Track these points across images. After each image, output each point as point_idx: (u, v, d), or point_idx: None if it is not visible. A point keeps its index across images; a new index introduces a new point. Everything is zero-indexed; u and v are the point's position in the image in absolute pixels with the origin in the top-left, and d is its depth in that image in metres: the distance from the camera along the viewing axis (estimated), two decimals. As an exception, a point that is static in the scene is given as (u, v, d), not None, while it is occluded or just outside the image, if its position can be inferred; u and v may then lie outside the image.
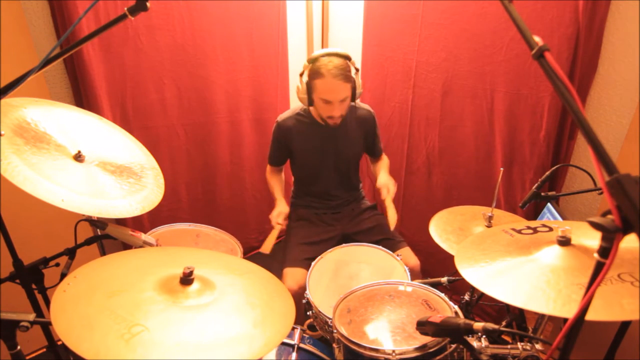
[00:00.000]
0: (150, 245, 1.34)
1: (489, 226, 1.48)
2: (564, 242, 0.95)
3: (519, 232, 1.08)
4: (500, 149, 1.93)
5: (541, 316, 1.37)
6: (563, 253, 0.93)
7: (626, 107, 1.61)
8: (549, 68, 0.63)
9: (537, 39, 0.65)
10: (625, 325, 1.17)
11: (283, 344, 1.32)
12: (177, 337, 0.81)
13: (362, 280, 1.52)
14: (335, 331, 1.21)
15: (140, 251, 1.17)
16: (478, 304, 1.73)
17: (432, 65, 2.07)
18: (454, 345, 1.14)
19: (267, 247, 1.67)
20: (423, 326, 0.98)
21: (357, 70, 1.71)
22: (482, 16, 1.83)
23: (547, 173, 1.45)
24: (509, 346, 1.08)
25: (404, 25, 2.12)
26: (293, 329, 1.35)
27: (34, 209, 1.64)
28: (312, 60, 1.66)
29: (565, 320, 0.65)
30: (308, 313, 1.47)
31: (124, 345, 0.76)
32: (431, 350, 1.11)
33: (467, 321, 0.92)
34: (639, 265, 0.85)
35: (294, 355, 1.29)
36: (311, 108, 1.80)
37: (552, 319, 1.39)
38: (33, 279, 1.25)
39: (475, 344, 1.02)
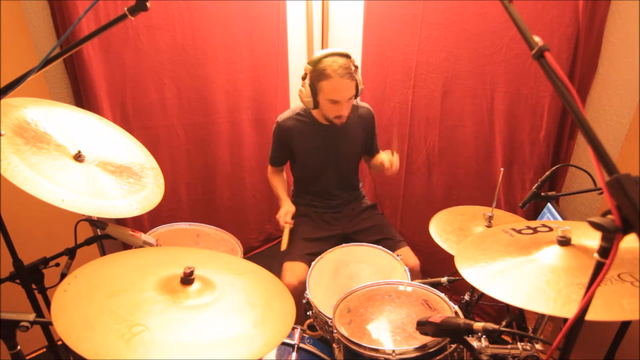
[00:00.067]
0: (150, 245, 1.33)
1: (489, 226, 1.48)
2: (564, 242, 0.95)
3: (519, 232, 1.08)
4: (500, 149, 1.94)
5: (541, 316, 1.37)
6: (563, 253, 0.93)
7: (626, 107, 1.61)
8: (549, 68, 0.63)
9: (537, 39, 0.65)
10: (625, 325, 1.18)
11: (283, 344, 1.32)
12: (178, 337, 0.81)
13: (362, 280, 1.52)
14: (335, 331, 1.21)
15: (140, 251, 1.17)
16: (478, 304, 1.73)
17: (432, 65, 2.07)
18: (454, 345, 1.14)
19: (283, 244, 1.75)
20: (423, 326, 0.98)
21: (356, 67, 1.71)
22: (482, 16, 1.83)
23: (547, 173, 1.45)
24: (509, 346, 1.08)
25: (404, 25, 2.12)
26: (293, 329, 1.35)
27: (34, 209, 1.64)
28: (315, 62, 1.65)
29: (565, 320, 0.65)
30: (308, 313, 1.47)
31: (124, 345, 0.76)
32: (431, 350, 1.11)
33: (467, 321, 0.92)
34: (639, 265, 0.85)
35: (294, 355, 1.29)
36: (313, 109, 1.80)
37: (552, 319, 1.39)
38: (33, 279, 1.25)
39: (475, 344, 1.02)
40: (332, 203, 1.98)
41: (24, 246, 1.20)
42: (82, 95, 1.81)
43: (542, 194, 1.45)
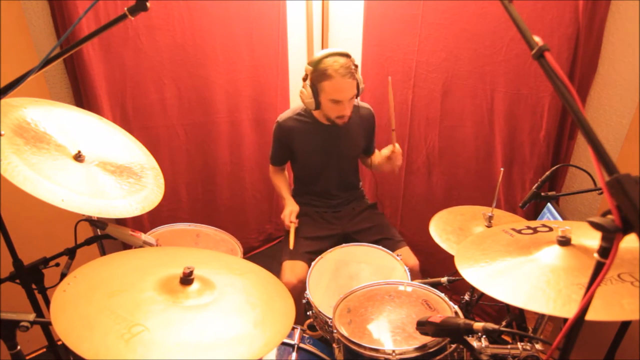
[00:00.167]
0: (150, 245, 1.33)
1: (489, 226, 1.48)
2: (564, 242, 0.95)
3: (519, 232, 1.08)
4: (500, 149, 1.94)
5: (541, 316, 1.37)
6: (563, 253, 0.93)
7: (626, 107, 1.61)
8: (549, 68, 0.63)
9: (537, 39, 0.65)
10: (625, 325, 1.18)
11: (283, 344, 1.32)
12: (177, 337, 0.81)
13: (362, 280, 1.52)
14: (335, 331, 1.21)
15: (140, 251, 1.17)
16: (478, 304, 1.73)
17: (432, 65, 2.07)
18: (454, 345, 1.14)
19: (291, 243, 1.74)
20: (423, 326, 0.98)
21: (356, 66, 1.71)
22: (482, 16, 1.83)
23: (547, 173, 1.45)
24: (509, 346, 1.08)
25: (404, 25, 2.12)
26: (293, 329, 1.35)
27: (34, 209, 1.64)
28: (315, 63, 1.64)
29: (565, 320, 0.65)
30: (308, 313, 1.47)
31: (124, 345, 0.76)
32: (431, 350, 1.11)
33: (467, 321, 0.92)
34: (639, 265, 0.85)
35: (294, 355, 1.29)
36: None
37: (552, 319, 1.39)
38: (33, 279, 1.25)
39: (475, 344, 1.02)
40: (333, 203, 1.98)
41: (24, 246, 1.20)
42: (82, 95, 1.81)
43: (542, 194, 1.45)
